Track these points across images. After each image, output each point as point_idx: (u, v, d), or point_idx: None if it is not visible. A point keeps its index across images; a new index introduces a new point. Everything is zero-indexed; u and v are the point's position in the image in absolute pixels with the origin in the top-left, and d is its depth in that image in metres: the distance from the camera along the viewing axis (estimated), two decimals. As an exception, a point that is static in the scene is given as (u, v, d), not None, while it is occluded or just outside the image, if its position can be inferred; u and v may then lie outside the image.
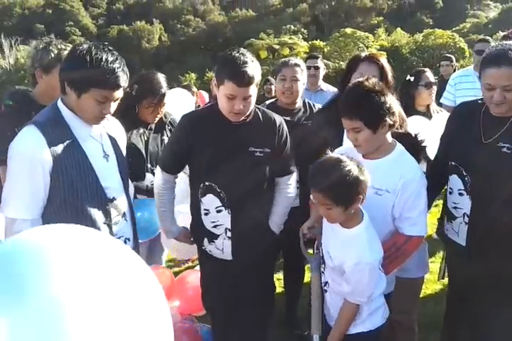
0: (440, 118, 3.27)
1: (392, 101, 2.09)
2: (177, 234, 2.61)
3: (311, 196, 2.06)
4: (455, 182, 2.37)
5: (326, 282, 2.16)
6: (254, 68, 2.23)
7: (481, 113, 2.29)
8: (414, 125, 3.25)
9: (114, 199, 2.06)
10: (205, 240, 2.51)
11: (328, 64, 10.25)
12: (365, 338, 2.11)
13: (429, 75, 3.85)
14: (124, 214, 2.12)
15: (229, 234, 2.43)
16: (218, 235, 2.46)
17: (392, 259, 2.18)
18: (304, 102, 3.28)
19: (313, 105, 3.27)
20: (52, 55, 2.53)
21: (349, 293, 2.02)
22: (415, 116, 3.46)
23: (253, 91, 2.26)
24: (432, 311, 2.95)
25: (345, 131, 2.22)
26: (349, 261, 1.97)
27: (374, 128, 2.05)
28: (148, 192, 2.92)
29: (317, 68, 4.88)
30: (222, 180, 2.38)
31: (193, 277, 3.06)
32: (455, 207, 2.39)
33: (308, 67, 4.80)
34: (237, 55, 2.24)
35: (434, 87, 3.83)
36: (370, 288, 2.01)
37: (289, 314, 3.40)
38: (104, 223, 2.01)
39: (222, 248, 2.47)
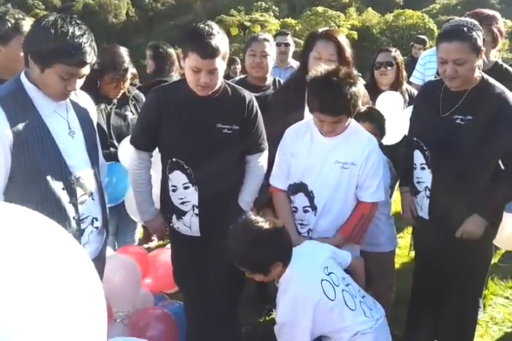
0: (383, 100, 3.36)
1: (361, 85, 2.26)
2: (153, 216, 2.56)
3: (315, 118, 2.21)
4: (417, 157, 2.48)
5: None
6: (219, 40, 2.18)
7: (441, 90, 2.40)
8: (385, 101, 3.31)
9: (79, 178, 2.00)
10: (174, 217, 2.49)
11: (299, 42, 10.18)
12: None
13: (384, 55, 3.87)
14: (91, 194, 2.06)
15: (196, 210, 2.42)
16: (186, 212, 2.44)
17: (363, 229, 2.35)
18: (274, 80, 3.26)
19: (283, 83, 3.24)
20: (9, 24, 2.41)
21: None
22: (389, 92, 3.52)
23: (219, 64, 2.21)
24: (400, 286, 3.01)
25: (313, 119, 2.27)
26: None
27: (352, 115, 2.24)
28: (112, 156, 2.89)
29: (287, 45, 4.84)
30: (189, 157, 2.35)
31: (165, 255, 3.04)
32: (418, 182, 2.51)
33: (278, 44, 4.76)
34: (202, 26, 2.19)
35: (390, 67, 3.83)
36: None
37: (260, 289, 3.42)
38: (70, 202, 1.95)
39: (189, 225, 2.45)
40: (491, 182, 2.32)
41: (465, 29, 2.18)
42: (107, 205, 2.27)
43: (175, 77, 3.82)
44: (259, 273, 2.05)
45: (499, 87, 2.31)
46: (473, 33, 2.18)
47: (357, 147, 2.29)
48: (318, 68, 2.24)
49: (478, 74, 2.30)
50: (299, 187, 2.35)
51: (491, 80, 2.33)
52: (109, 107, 3.05)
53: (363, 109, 2.67)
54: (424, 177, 2.46)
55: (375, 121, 2.72)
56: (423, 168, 2.45)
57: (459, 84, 2.28)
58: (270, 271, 2.02)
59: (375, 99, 3.42)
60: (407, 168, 2.58)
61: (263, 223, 2.05)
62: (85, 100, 2.17)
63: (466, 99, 2.30)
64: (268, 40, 3.18)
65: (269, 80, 3.21)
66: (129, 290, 2.77)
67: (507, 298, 3.52)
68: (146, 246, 4.01)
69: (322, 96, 2.15)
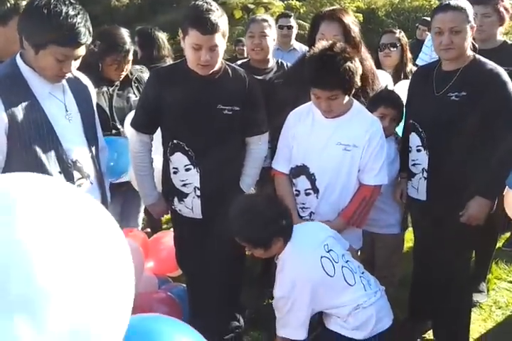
0: (401, 87, 3.27)
1: (359, 63, 2.20)
2: (156, 199, 2.54)
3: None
4: (413, 139, 2.48)
5: None
6: (218, 16, 2.16)
7: (434, 70, 2.43)
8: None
9: (77, 161, 1.97)
10: (175, 199, 2.47)
11: (303, 25, 10.05)
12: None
13: (388, 36, 3.80)
14: (89, 177, 2.03)
15: (198, 192, 2.40)
16: (187, 194, 2.42)
17: (364, 213, 2.32)
18: (277, 62, 3.20)
19: (286, 65, 3.18)
20: (9, 5, 2.36)
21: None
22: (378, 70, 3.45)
23: (219, 41, 2.18)
24: (404, 270, 3.00)
25: (311, 99, 2.24)
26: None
27: (349, 93, 2.20)
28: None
29: (290, 28, 4.76)
30: (190, 138, 2.33)
31: (168, 238, 3.04)
32: (414, 164, 2.51)
33: (281, 27, 4.70)
34: (200, 3, 2.16)
35: (393, 48, 3.76)
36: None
37: (263, 272, 3.42)
38: None
39: (191, 207, 2.43)
40: (487, 160, 2.29)
41: (459, 3, 2.32)
42: (111, 180, 2.24)
43: (168, 62, 3.75)
44: (259, 248, 2.03)
45: (491, 63, 2.34)
46: (467, 8, 2.31)
47: (360, 129, 2.26)
48: (316, 45, 2.23)
49: (470, 52, 2.35)
50: (301, 170, 2.32)
51: (482, 59, 2.36)
52: (111, 89, 3.02)
53: (383, 91, 2.68)
54: (420, 159, 2.46)
55: (397, 107, 2.68)
56: (419, 150, 2.45)
57: (454, 55, 2.31)
58: (271, 246, 2.01)
59: None
60: (404, 152, 2.58)
61: (265, 198, 2.10)
62: (84, 82, 2.13)
63: (459, 76, 2.33)
64: (267, 21, 3.12)
65: (272, 62, 3.16)
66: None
67: (511, 282, 3.51)
68: (147, 230, 3.99)
69: (316, 70, 2.14)
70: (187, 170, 2.38)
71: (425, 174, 2.44)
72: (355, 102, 2.30)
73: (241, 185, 2.46)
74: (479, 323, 2.85)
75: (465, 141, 2.29)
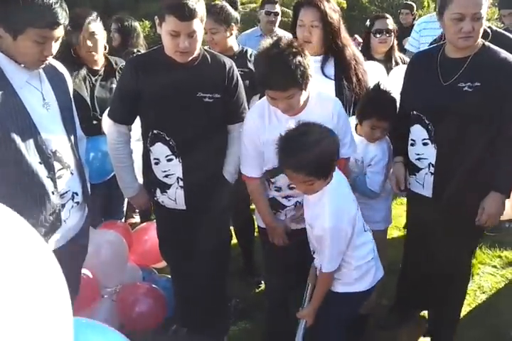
0: (397, 73, 3.23)
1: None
2: (137, 191, 2.48)
3: (268, 101, 2.10)
4: (418, 132, 2.33)
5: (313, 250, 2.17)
6: (196, 1, 2.09)
7: (437, 58, 2.28)
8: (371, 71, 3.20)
9: (56, 151, 1.92)
10: (158, 191, 2.43)
11: (287, 12, 9.98)
12: (352, 298, 2.13)
13: (383, 22, 3.76)
14: (69, 168, 1.99)
15: (181, 183, 2.36)
16: (170, 185, 2.38)
17: None
18: (242, 50, 3.13)
19: (252, 56, 3.07)
20: None
21: (318, 260, 2.05)
22: (369, 61, 3.39)
23: (198, 26, 2.12)
24: (390, 257, 3.00)
25: (267, 100, 2.14)
26: (315, 230, 2.00)
27: (305, 87, 2.08)
28: (96, 129, 2.84)
29: (276, 14, 4.73)
30: (171, 128, 2.28)
31: (151, 229, 3.00)
32: (419, 159, 2.36)
33: (268, 13, 4.67)
34: None
35: (388, 35, 3.74)
36: (328, 256, 2.00)
37: (248, 263, 3.42)
38: (48, 177, 1.88)
39: (174, 198, 2.40)
40: (500, 153, 2.21)
41: None
42: (99, 180, 2.20)
43: (142, 50, 3.74)
44: (321, 180, 1.94)
45: (502, 51, 2.20)
46: None
47: (326, 114, 2.20)
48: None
49: (479, 39, 2.20)
50: (280, 170, 2.22)
51: (493, 46, 2.22)
52: (93, 79, 2.97)
53: (375, 98, 2.51)
54: (426, 153, 2.32)
55: (390, 118, 2.50)
56: (425, 144, 2.31)
57: (472, 43, 2.15)
58: (327, 177, 1.97)
59: None
60: (399, 139, 2.47)
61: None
62: (60, 70, 2.08)
63: (469, 65, 2.18)
64: (217, 13, 3.01)
65: (235, 50, 3.08)
66: (116, 266, 2.74)
67: (494, 266, 3.54)
68: (130, 221, 3.96)
69: (266, 72, 2.00)
70: (169, 160, 2.33)
71: (432, 169, 2.31)
72: (309, 89, 2.15)
73: (224, 174, 2.43)
74: (464, 308, 2.86)
75: (477, 134, 2.18)
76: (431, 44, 3.24)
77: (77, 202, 2.04)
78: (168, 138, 2.29)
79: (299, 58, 1.97)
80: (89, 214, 2.18)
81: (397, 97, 2.54)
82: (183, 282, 2.64)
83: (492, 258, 3.63)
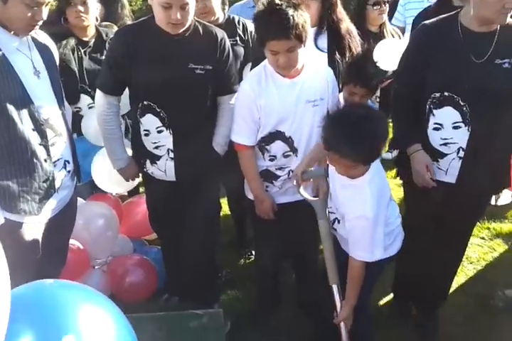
0: (384, 46, 3.18)
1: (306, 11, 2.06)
2: (127, 163, 2.46)
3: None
4: (447, 115, 2.16)
5: (335, 219, 2.09)
6: None
7: (458, 33, 2.11)
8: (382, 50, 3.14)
9: (48, 119, 1.91)
10: (147, 162, 2.42)
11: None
12: (385, 263, 2.08)
13: None
14: (61, 135, 1.98)
15: (171, 155, 2.35)
16: (160, 156, 2.37)
17: None
18: (229, 18, 3.01)
19: (240, 22, 2.99)
20: None
21: (351, 248, 1.95)
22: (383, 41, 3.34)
23: None
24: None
25: (267, 57, 2.11)
26: (351, 214, 1.91)
27: (304, 43, 2.05)
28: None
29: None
30: (161, 99, 2.25)
31: (142, 202, 3.00)
32: (446, 144, 2.21)
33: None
34: None
35: (385, 6, 3.70)
36: (372, 245, 1.91)
37: (239, 234, 3.44)
38: (40, 144, 1.88)
39: (164, 169, 2.39)
40: None
41: None
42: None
43: (129, 21, 3.66)
44: (360, 163, 1.83)
45: None
46: None
47: (321, 80, 2.21)
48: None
49: None
50: (275, 136, 2.23)
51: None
52: (82, 50, 2.92)
53: (355, 65, 2.45)
54: (456, 136, 2.16)
55: (367, 86, 2.38)
56: (457, 127, 2.15)
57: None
58: (367, 164, 1.87)
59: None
60: (414, 125, 2.27)
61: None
62: (46, 40, 2.06)
63: (500, 39, 2.05)
64: None
65: (221, 20, 2.96)
66: (106, 237, 2.75)
67: (482, 238, 3.59)
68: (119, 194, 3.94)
69: (267, 22, 2.00)
70: (159, 132, 2.32)
71: (461, 153, 2.17)
72: (304, 53, 2.14)
73: (214, 146, 2.41)
74: (452, 278, 2.91)
75: None
76: (417, 17, 3.20)
77: (69, 171, 2.04)
78: (158, 110, 2.26)
79: (300, 11, 2.00)
80: (77, 185, 2.19)
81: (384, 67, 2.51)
82: (173, 253, 2.66)
83: (481, 229, 3.68)
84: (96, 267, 2.71)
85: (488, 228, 3.71)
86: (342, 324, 2.06)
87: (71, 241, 2.39)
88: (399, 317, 2.75)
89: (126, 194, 3.83)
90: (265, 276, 2.63)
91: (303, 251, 2.58)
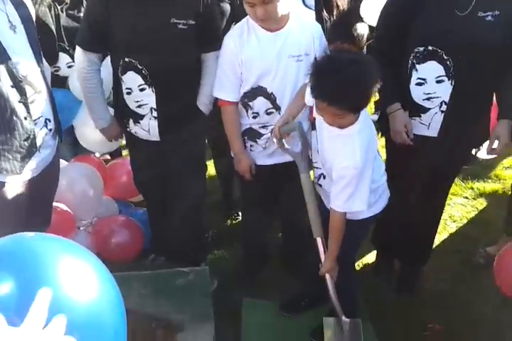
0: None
1: None
2: (109, 122, 2.42)
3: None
4: (431, 69, 2.15)
5: (321, 174, 2.06)
6: None
7: None
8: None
9: (27, 75, 1.84)
10: (130, 121, 2.37)
11: None
12: (369, 221, 2.12)
13: None
14: (40, 92, 1.92)
15: (155, 113, 2.30)
16: (143, 115, 2.32)
17: None
18: None
19: None
20: None
21: (332, 198, 1.93)
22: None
23: None
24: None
25: (248, 9, 2.04)
26: (338, 165, 1.86)
27: None
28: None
29: None
30: (143, 56, 2.18)
31: (126, 163, 2.97)
32: (428, 98, 2.21)
33: None
34: None
35: None
36: (353, 196, 1.88)
37: (226, 195, 3.43)
38: (20, 101, 1.81)
39: (148, 128, 2.35)
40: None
41: None
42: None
43: None
44: (347, 112, 1.76)
45: None
46: None
47: (306, 35, 2.16)
48: None
49: None
50: (257, 92, 2.20)
51: None
52: (59, 7, 2.81)
53: (341, 21, 2.36)
54: (440, 90, 2.17)
55: (355, 43, 2.29)
56: (440, 81, 2.16)
57: None
58: (356, 113, 1.80)
59: None
60: (397, 83, 2.26)
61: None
62: None
63: None
64: None
65: None
66: (91, 198, 2.73)
67: (466, 197, 3.64)
68: (103, 158, 3.90)
69: None
70: (141, 90, 2.26)
71: (443, 107, 2.19)
72: (289, 7, 2.09)
73: (198, 105, 2.37)
74: (436, 236, 2.94)
75: (497, 67, 2.09)
76: None
77: (50, 130, 2.00)
78: (140, 67, 2.20)
79: None
80: (59, 145, 2.14)
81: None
82: (159, 214, 2.65)
83: (464, 189, 3.72)
84: (81, 228, 2.70)
85: (472, 188, 3.75)
86: (328, 276, 2.09)
87: (55, 203, 2.37)
88: (382, 273, 2.80)
89: (109, 158, 3.82)
90: (251, 235, 2.65)
91: (291, 211, 2.59)
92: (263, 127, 2.29)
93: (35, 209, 2.05)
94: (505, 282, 2.39)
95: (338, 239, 1.99)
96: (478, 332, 2.39)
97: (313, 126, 2.06)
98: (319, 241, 2.07)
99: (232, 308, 2.47)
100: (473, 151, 3.78)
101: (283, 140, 2.16)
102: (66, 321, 0.68)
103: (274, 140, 2.17)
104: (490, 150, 2.25)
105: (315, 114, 1.96)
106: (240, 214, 3.18)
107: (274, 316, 2.47)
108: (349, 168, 1.82)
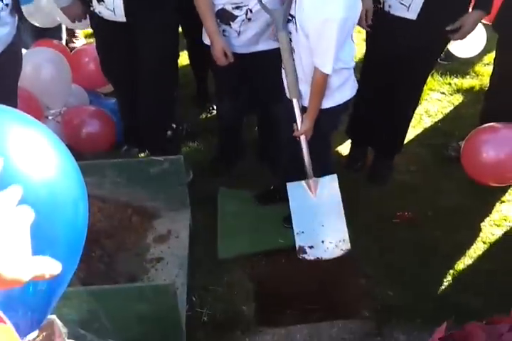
0: None
1: None
2: (71, 1, 2.25)
3: None
4: None
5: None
6: None
7: None
8: None
9: None
10: (94, 0, 2.18)
11: None
12: (333, 112, 2.08)
13: None
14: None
15: (120, -8, 2.12)
16: (108, -6, 2.14)
17: None
18: None
19: None
20: None
21: (314, 56, 1.87)
22: None
23: None
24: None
25: None
26: (317, 19, 1.77)
27: None
28: None
29: None
30: None
31: (91, 49, 2.80)
32: None
33: None
34: None
35: None
36: (333, 52, 1.83)
37: (201, 88, 3.32)
38: None
39: (113, 8, 2.17)
40: None
41: None
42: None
43: None
44: None
45: None
46: None
47: None
48: None
49: None
50: None
51: None
52: None
53: None
54: None
55: None
56: None
57: None
58: None
59: None
60: None
61: None
62: None
63: None
64: None
65: None
66: (58, 85, 2.60)
67: (443, 93, 3.60)
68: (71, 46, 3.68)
69: None
70: None
71: None
72: None
73: None
74: (410, 130, 2.96)
75: None
76: None
77: (7, 5, 1.83)
78: None
79: None
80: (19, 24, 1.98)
81: None
82: (128, 103, 2.55)
83: (442, 85, 3.67)
84: (50, 117, 2.61)
85: (450, 83, 3.70)
86: (302, 137, 2.10)
87: (21, 89, 2.25)
88: (354, 162, 2.84)
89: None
90: (226, 124, 2.60)
91: (267, 102, 2.52)
92: (237, 8, 2.13)
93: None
94: (471, 166, 2.42)
95: (319, 100, 1.98)
96: (448, 219, 2.49)
97: None
98: (295, 102, 2.05)
99: (207, 197, 2.50)
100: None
101: None
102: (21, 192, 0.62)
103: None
104: (452, 35, 2.25)
105: None
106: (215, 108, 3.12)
107: (249, 204, 2.51)
108: (328, 21, 1.76)
